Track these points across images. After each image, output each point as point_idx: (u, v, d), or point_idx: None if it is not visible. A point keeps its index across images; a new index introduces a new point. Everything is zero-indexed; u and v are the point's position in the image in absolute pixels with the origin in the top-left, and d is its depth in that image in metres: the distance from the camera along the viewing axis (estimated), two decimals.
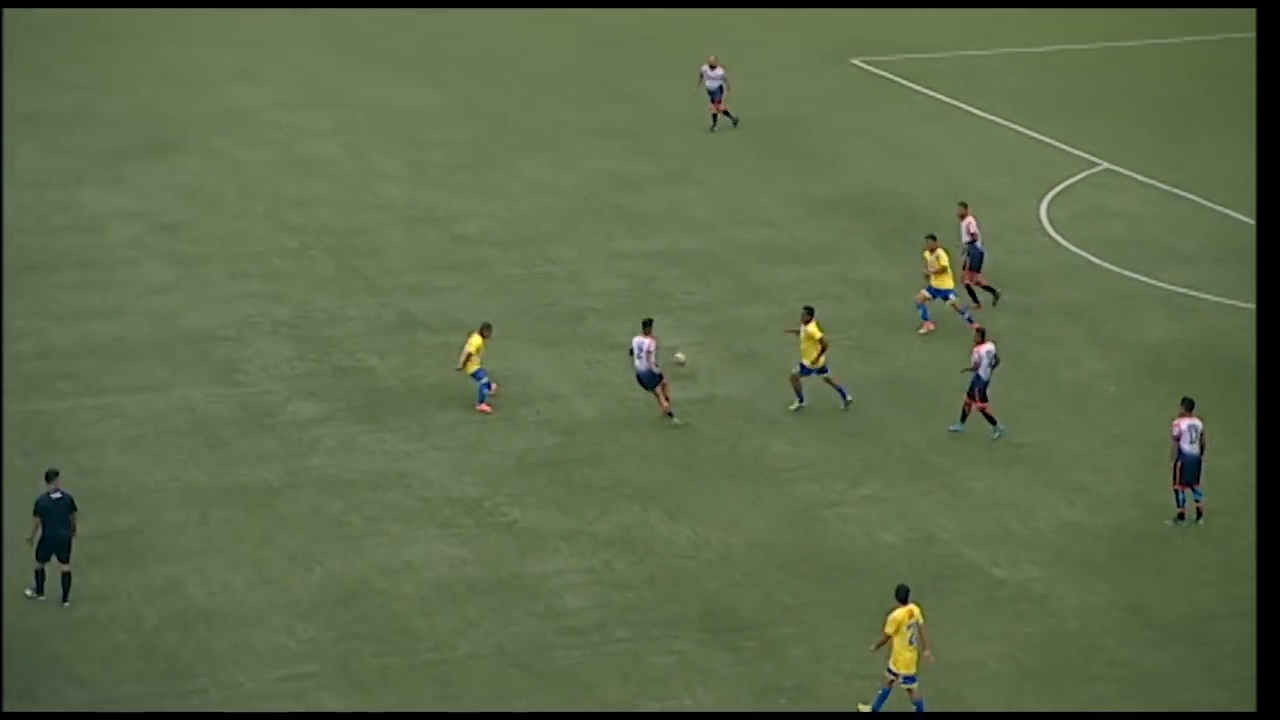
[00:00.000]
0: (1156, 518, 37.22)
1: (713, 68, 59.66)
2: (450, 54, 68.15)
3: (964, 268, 46.44)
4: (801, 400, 41.25)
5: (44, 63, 65.99)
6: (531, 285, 48.12)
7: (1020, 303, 47.48)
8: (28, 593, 34.16)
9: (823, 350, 40.96)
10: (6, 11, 71.31)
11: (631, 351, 41.00)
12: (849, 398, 41.30)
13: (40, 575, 33.97)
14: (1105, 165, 57.46)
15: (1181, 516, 37.06)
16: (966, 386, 40.42)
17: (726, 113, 59.67)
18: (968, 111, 62.62)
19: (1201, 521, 36.97)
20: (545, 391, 42.49)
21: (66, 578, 33.98)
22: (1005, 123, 61.43)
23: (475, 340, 41.35)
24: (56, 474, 34.22)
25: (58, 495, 33.89)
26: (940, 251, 45.22)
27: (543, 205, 52.85)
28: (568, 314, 46.49)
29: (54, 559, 33.94)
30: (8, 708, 31.74)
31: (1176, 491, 37.08)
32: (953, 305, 45.33)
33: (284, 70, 65.83)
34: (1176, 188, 55.19)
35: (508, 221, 52.55)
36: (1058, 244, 51.53)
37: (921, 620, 31.06)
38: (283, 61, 66.87)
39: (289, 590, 34.73)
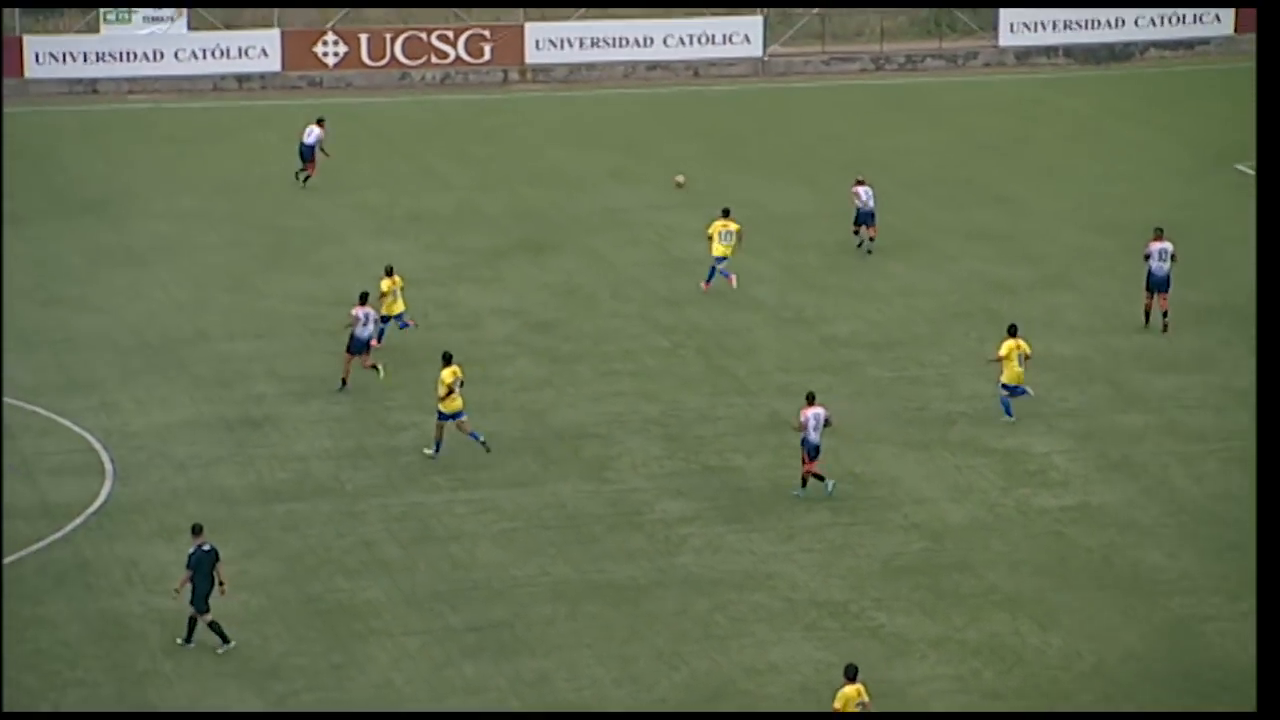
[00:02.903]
0: None
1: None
2: (824, 156, 68.32)
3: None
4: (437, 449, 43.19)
5: (429, 162, 67.77)
6: (901, 388, 47.79)
7: None
8: (178, 640, 35.63)
9: (450, 393, 42.79)
10: (392, 115, 73.43)
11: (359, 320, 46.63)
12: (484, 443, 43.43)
13: (193, 623, 35.61)
14: None
15: None
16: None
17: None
18: None
19: None
20: (913, 495, 42.11)
21: (214, 625, 35.63)
22: None
23: (385, 282, 49.09)
24: (202, 529, 36.02)
25: (207, 548, 35.59)
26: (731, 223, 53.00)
27: (914, 308, 52.54)
28: (937, 418, 46.06)
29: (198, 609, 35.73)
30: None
31: None
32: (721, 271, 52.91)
33: (659, 171, 66.56)
34: None
35: (878, 324, 52.35)
36: None
37: (868, 699, 31.17)
38: (658, 162, 67.66)
39: (654, 688, 34.80)
